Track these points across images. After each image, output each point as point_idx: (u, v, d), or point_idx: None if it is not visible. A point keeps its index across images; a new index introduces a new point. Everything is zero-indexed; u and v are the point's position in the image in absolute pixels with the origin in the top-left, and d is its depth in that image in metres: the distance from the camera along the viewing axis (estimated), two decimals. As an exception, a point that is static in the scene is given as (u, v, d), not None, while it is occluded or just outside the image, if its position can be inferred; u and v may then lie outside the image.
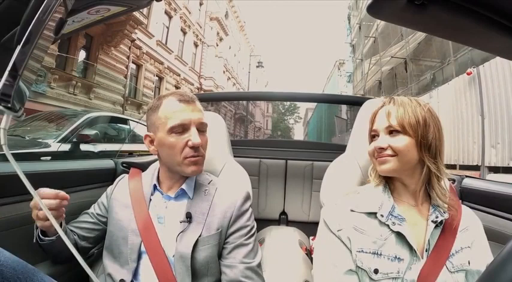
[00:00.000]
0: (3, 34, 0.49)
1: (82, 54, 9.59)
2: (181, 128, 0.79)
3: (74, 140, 2.68)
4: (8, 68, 0.42)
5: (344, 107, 17.13)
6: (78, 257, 0.55)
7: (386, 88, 11.26)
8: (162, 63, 13.65)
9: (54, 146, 2.69)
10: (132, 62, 11.69)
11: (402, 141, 0.69)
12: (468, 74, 4.99)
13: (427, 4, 0.35)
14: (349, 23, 19.20)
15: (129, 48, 11.23)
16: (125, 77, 11.18)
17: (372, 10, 0.39)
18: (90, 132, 2.69)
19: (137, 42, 11.49)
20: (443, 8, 0.36)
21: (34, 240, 0.77)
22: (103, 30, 9.83)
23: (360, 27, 15.29)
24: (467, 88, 5.13)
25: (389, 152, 0.69)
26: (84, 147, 2.62)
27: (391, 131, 0.70)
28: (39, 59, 0.47)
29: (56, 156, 2.42)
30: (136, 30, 10.88)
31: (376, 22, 11.70)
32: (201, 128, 0.83)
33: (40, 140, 2.72)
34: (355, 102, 1.69)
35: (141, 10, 10.42)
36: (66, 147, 2.68)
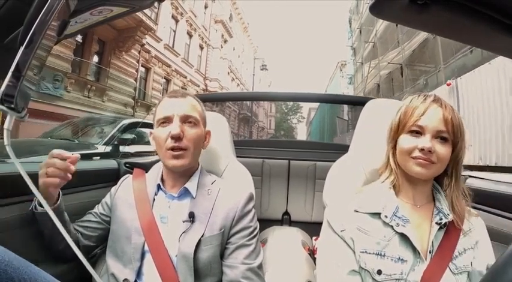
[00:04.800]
0: (6, 35, 0.50)
1: (95, 59, 10.13)
2: (165, 120, 0.82)
3: (115, 142, 3.24)
4: (11, 69, 0.42)
5: (346, 108, 17.44)
6: (79, 255, 0.55)
7: (384, 91, 11.69)
8: (169, 66, 14.16)
9: (100, 148, 3.25)
10: (142, 66, 12.20)
11: (447, 150, 0.66)
12: (448, 84, 5.43)
13: (429, 3, 0.35)
14: (350, 26, 19.53)
15: (139, 52, 11.75)
16: (135, 80, 11.70)
17: (374, 10, 0.38)
18: (128, 136, 3.21)
19: (146, 46, 11.99)
20: (446, 7, 0.36)
21: (30, 209, 0.79)
22: (115, 35, 10.37)
23: (360, 32, 15.66)
24: (446, 97, 5.55)
25: (433, 158, 0.65)
26: (122, 148, 3.15)
27: (441, 137, 0.66)
28: (42, 60, 0.46)
29: (103, 155, 2.94)
30: (146, 35, 11.39)
31: (375, 27, 12.17)
32: (187, 121, 0.83)
33: (89, 143, 3.27)
34: (358, 102, 1.69)
35: (150, 16, 10.94)
36: (108, 148, 3.22)
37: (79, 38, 9.15)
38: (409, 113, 0.69)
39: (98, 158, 2.64)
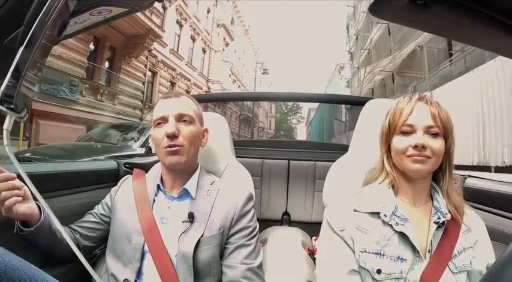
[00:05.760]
0: (6, 35, 0.50)
1: (107, 65, 10.66)
2: (161, 121, 0.83)
3: (148, 145, 3.86)
4: (11, 69, 0.42)
5: (344, 109, 18.01)
6: (81, 257, 0.55)
7: (377, 96, 12.05)
8: (174, 69, 14.71)
9: (138, 150, 3.90)
10: (149, 70, 12.72)
11: (440, 144, 0.68)
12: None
13: (428, 3, 0.35)
14: (347, 31, 20.11)
15: (146, 58, 12.28)
16: (143, 83, 12.25)
17: (374, 10, 0.38)
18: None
19: (153, 51, 12.52)
20: (445, 7, 0.36)
21: (14, 231, 0.74)
22: (125, 42, 10.92)
23: (356, 38, 16.27)
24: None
25: (428, 152, 0.67)
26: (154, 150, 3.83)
27: (432, 132, 0.68)
28: (42, 60, 0.47)
29: (141, 156, 3.58)
30: (153, 42, 11.99)
31: (370, 35, 12.83)
32: (182, 119, 0.84)
33: (128, 145, 3.99)
34: (357, 102, 1.70)
35: (157, 23, 11.50)
36: (143, 150, 3.85)
37: (92, 45, 9.77)
38: (397, 114, 0.71)
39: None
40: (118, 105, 10.76)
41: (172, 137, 0.81)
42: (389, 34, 10.24)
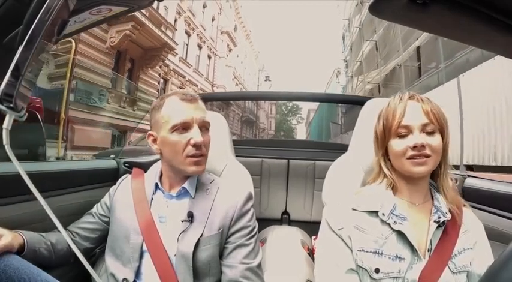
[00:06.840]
0: (5, 34, 0.50)
1: (127, 75, 11.86)
2: (184, 126, 0.80)
3: None
4: (11, 68, 0.42)
5: (340, 113, 19.05)
6: (80, 256, 0.55)
7: (367, 104, 13.59)
8: (184, 76, 15.83)
9: None
10: (162, 78, 13.89)
11: (438, 141, 0.67)
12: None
13: (428, 3, 0.35)
14: (343, 41, 21.24)
15: (160, 67, 13.48)
16: (157, 91, 13.41)
17: (374, 10, 0.38)
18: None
19: (166, 61, 13.70)
20: (445, 6, 0.36)
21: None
22: (143, 54, 12.14)
23: (351, 49, 17.51)
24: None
25: (427, 151, 0.66)
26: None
27: (428, 130, 0.67)
28: (41, 60, 0.46)
29: None
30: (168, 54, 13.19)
31: (362, 49, 14.14)
32: (204, 127, 0.83)
33: None
34: (357, 102, 1.70)
35: (172, 37, 12.67)
36: None
37: (115, 57, 11.01)
38: (390, 116, 0.70)
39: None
40: (137, 111, 11.87)
41: (198, 146, 0.80)
42: (376, 50, 11.56)
